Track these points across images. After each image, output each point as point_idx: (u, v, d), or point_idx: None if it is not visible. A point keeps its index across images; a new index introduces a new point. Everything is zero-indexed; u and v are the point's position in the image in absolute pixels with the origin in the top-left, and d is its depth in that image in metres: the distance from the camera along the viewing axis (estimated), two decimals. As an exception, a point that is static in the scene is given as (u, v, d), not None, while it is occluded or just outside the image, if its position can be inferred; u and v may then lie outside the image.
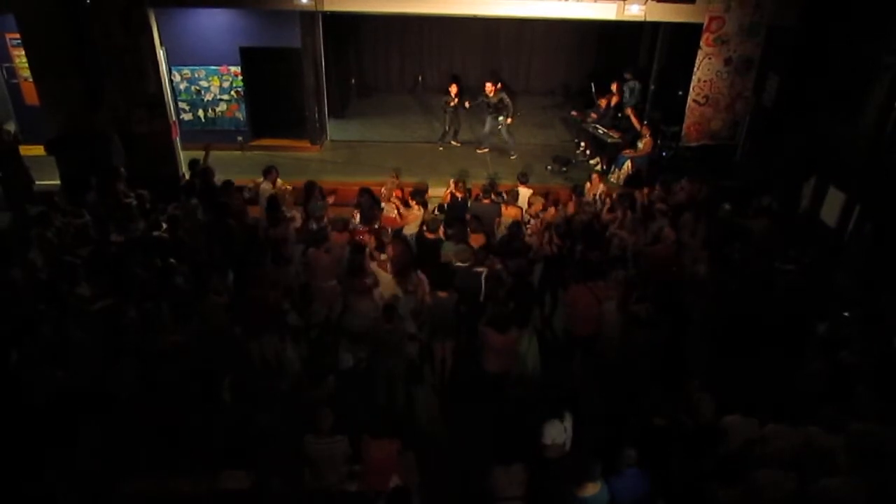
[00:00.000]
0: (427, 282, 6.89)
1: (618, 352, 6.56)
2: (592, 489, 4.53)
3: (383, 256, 7.39)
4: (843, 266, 7.94)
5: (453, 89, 12.28)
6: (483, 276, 6.95)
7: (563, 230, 7.97)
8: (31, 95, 11.18)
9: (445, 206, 8.98)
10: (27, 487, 4.68)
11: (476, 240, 7.67)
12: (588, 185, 9.79)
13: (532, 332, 7.50)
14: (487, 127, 12.23)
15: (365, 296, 6.94)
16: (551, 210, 8.78)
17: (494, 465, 4.78)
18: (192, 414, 5.59)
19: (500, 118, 11.98)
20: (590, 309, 6.58)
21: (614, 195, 9.10)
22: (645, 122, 11.61)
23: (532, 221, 8.48)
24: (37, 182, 9.88)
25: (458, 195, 8.93)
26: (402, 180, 9.44)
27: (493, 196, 8.78)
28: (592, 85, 12.92)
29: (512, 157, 12.19)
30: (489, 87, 11.93)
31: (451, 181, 9.13)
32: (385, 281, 7.28)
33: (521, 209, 8.70)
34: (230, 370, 6.21)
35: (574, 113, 12.89)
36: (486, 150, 12.34)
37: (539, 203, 8.74)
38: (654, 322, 6.34)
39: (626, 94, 12.33)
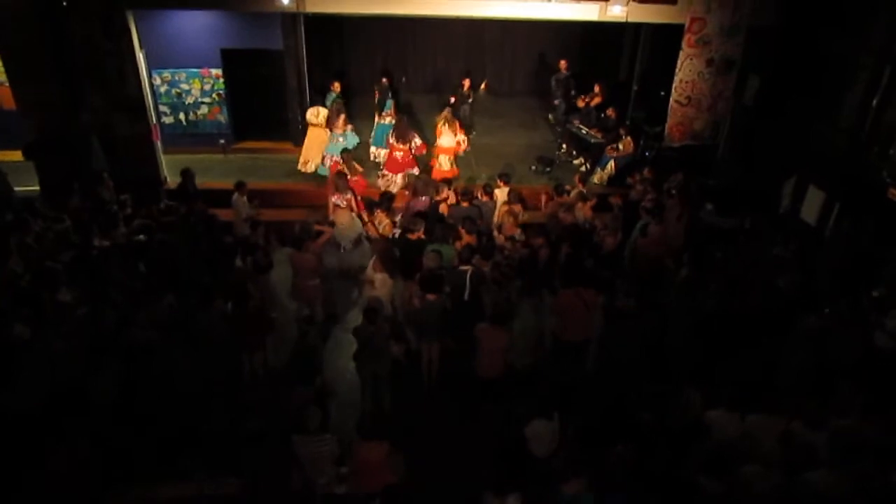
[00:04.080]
0: (415, 284, 6.90)
1: (605, 348, 6.59)
2: (579, 486, 4.55)
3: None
4: (823, 263, 8.06)
5: (466, 83, 12.81)
6: (468, 274, 6.96)
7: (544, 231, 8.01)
8: (7, 100, 11.01)
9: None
10: (13, 496, 4.61)
11: (470, 241, 7.72)
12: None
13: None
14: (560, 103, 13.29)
15: (343, 211, 8.40)
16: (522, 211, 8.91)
17: (487, 491, 4.68)
18: (178, 419, 5.55)
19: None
20: (580, 315, 6.56)
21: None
22: (627, 122, 11.70)
23: (505, 223, 8.48)
24: (15, 189, 9.75)
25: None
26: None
27: (471, 200, 8.81)
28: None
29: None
30: (563, 63, 13.13)
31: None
32: (380, 280, 7.30)
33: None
34: (219, 379, 6.20)
35: (577, 122, 12.67)
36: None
37: (517, 212, 8.77)
38: (637, 315, 6.40)
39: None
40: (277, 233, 8.73)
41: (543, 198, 9.50)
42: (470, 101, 12.99)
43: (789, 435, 4.89)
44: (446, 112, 11.11)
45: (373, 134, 11.97)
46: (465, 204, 8.66)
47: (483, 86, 13.10)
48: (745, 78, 10.73)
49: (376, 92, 12.19)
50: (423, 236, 7.77)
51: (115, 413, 5.37)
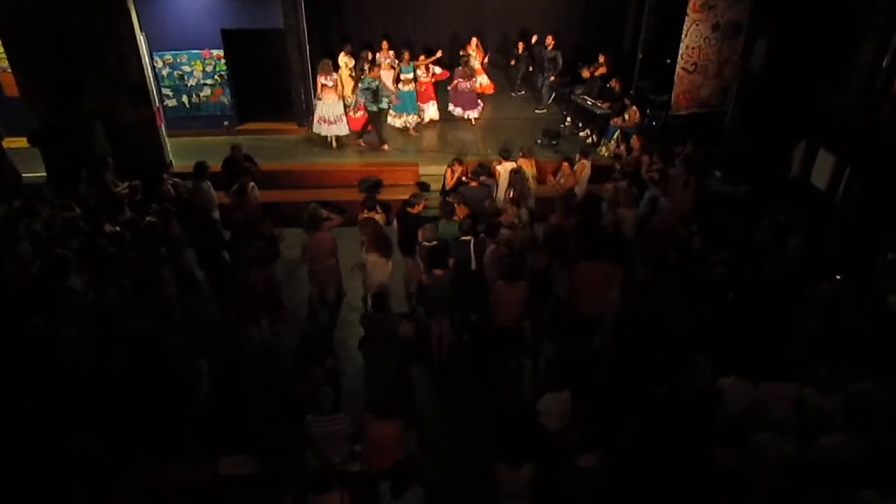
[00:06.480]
0: (422, 261, 6.90)
1: (619, 320, 6.57)
2: (591, 459, 4.57)
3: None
4: (834, 228, 7.97)
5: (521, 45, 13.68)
6: (471, 244, 6.93)
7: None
8: (10, 87, 11.00)
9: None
10: (26, 484, 4.67)
11: (461, 212, 7.70)
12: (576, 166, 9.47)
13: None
14: (543, 85, 13.30)
15: (329, 89, 10.79)
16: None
17: (500, 462, 4.72)
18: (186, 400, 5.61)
19: (548, 75, 13.02)
20: (597, 289, 6.42)
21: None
22: (631, 92, 11.54)
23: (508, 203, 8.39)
24: (23, 175, 9.77)
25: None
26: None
27: (481, 179, 8.74)
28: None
29: (539, 112, 13.26)
30: (550, 39, 12.84)
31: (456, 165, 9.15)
32: (378, 264, 7.28)
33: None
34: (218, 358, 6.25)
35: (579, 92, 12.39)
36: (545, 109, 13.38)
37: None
38: (649, 286, 6.36)
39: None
40: (282, 215, 8.72)
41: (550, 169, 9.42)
42: (527, 66, 13.75)
43: (802, 400, 4.88)
44: (476, 41, 12.88)
45: (391, 104, 11.68)
46: (473, 184, 8.62)
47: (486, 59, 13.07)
48: (752, 42, 10.52)
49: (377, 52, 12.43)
50: (422, 211, 7.76)
51: (124, 398, 5.41)
